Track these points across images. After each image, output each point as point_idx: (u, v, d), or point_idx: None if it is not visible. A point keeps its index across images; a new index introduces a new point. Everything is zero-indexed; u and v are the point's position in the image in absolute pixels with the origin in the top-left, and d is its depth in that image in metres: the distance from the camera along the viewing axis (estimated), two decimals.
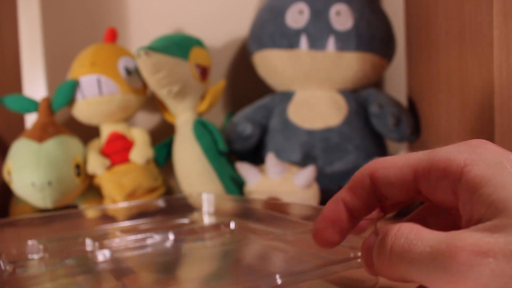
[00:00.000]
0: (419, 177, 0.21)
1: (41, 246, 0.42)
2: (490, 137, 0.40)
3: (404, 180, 0.22)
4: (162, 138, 0.65)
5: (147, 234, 0.45)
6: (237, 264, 0.39)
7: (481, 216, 0.18)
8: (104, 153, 0.59)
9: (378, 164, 0.23)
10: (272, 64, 0.63)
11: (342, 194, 0.25)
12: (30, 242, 0.42)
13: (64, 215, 0.49)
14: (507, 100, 0.39)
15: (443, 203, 0.21)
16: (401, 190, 0.22)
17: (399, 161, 0.22)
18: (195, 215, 0.55)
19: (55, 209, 0.56)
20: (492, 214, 0.17)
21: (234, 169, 0.57)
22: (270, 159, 0.53)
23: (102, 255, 0.42)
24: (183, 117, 0.59)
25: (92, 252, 0.43)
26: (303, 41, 0.60)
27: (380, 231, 0.21)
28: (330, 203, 0.25)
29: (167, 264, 0.39)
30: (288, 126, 0.59)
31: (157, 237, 0.46)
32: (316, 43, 0.59)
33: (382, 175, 0.23)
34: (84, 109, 0.59)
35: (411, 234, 0.18)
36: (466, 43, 0.45)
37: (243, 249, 0.42)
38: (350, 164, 0.57)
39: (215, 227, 0.50)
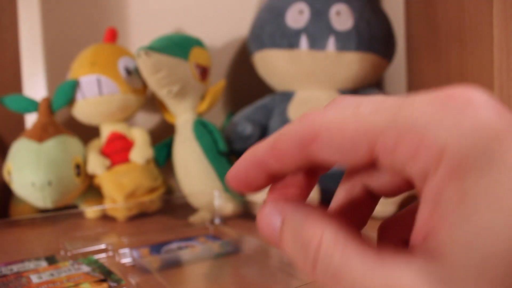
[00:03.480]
0: (379, 151, 0.15)
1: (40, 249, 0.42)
2: None
3: (354, 152, 0.15)
4: (162, 138, 0.65)
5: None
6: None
7: (431, 245, 0.14)
8: (104, 153, 0.59)
9: (317, 127, 0.16)
10: (272, 64, 0.63)
11: (263, 156, 0.18)
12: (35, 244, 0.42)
13: (64, 215, 0.49)
14: (507, 100, 0.39)
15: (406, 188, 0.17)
16: (348, 162, 0.16)
17: (349, 124, 0.15)
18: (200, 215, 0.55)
19: (55, 209, 0.56)
20: (440, 253, 0.13)
21: None
22: None
23: (124, 257, 0.42)
24: (183, 117, 0.59)
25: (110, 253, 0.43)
26: (303, 41, 0.60)
27: (286, 213, 0.17)
28: (248, 157, 0.18)
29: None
30: None
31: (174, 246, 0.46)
32: (316, 43, 0.59)
33: (324, 143, 0.16)
34: (84, 109, 0.59)
35: (337, 255, 0.15)
36: (466, 43, 0.45)
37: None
38: None
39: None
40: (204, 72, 0.61)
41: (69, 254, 0.42)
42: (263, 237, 0.18)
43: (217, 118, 0.73)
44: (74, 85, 0.58)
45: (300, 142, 0.16)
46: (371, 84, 0.64)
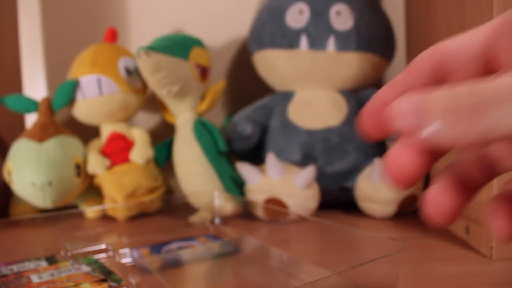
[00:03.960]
0: (497, 36, 0.18)
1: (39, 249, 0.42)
2: None
3: (471, 42, 0.19)
4: (162, 138, 0.65)
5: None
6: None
7: None
8: (104, 153, 0.59)
9: (445, 41, 0.20)
10: (272, 64, 0.63)
11: (401, 76, 0.20)
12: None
13: (64, 215, 0.49)
14: None
15: None
16: (469, 61, 0.19)
17: (469, 32, 0.19)
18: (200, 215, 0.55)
19: (55, 209, 0.56)
20: None
21: (234, 169, 0.57)
22: (270, 159, 0.53)
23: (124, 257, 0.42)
24: (183, 117, 0.59)
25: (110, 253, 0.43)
26: (303, 41, 0.60)
27: (428, 92, 0.16)
28: (386, 86, 0.20)
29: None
30: (288, 126, 0.59)
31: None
32: (316, 43, 0.59)
33: (450, 47, 0.19)
34: (84, 109, 0.59)
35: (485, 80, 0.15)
36: None
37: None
38: (350, 164, 0.57)
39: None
40: (204, 72, 0.61)
41: (69, 254, 0.42)
42: (392, 117, 0.16)
43: (217, 118, 0.73)
44: (74, 85, 0.58)
45: (433, 49, 0.20)
46: (371, 84, 0.64)
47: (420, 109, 0.16)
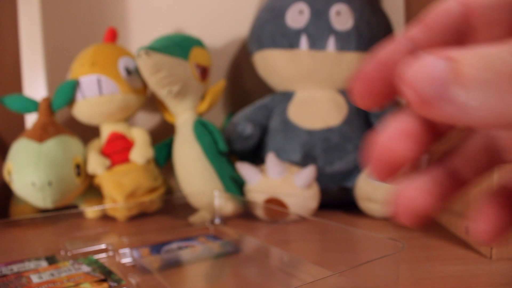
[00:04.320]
0: None
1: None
2: None
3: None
4: (162, 138, 0.65)
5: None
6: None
7: None
8: (104, 153, 0.59)
9: None
10: (272, 64, 0.63)
11: (411, 31, 0.16)
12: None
13: (64, 215, 0.49)
14: None
15: None
16: (504, 17, 0.15)
17: None
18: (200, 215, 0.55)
19: (55, 209, 0.56)
20: None
21: (234, 169, 0.57)
22: (270, 159, 0.53)
23: (124, 257, 0.42)
24: (183, 117, 0.59)
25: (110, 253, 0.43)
26: (303, 41, 0.60)
27: (456, 52, 0.12)
28: (388, 43, 0.16)
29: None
30: (288, 126, 0.59)
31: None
32: (316, 43, 0.59)
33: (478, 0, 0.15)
34: (84, 109, 0.59)
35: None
36: None
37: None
38: (350, 164, 0.57)
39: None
40: (204, 72, 0.61)
41: (69, 254, 0.42)
42: (407, 81, 0.13)
43: (217, 118, 0.73)
44: (74, 85, 0.58)
45: (456, 3, 0.15)
46: None
47: (448, 74, 0.12)
